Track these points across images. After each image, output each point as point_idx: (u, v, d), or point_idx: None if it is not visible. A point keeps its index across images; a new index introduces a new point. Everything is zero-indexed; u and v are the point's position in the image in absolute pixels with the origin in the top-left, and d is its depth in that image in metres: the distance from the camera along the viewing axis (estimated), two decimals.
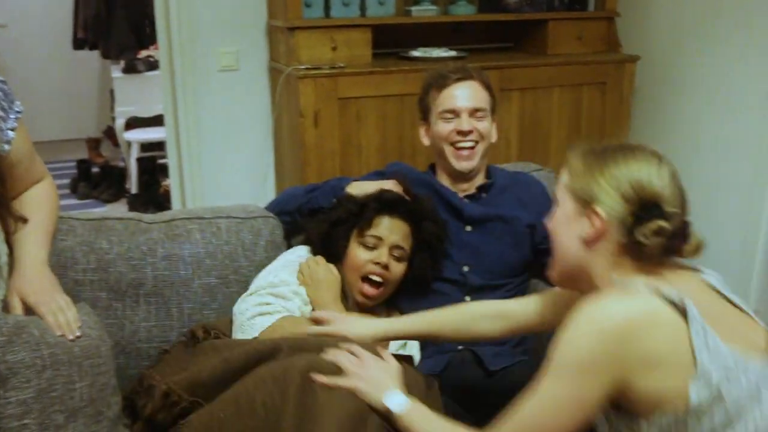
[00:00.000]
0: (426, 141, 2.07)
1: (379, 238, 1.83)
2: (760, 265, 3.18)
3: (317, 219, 1.90)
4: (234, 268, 1.90)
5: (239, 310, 1.71)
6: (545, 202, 2.07)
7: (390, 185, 1.94)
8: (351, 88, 2.89)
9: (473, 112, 1.97)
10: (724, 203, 3.30)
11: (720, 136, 3.27)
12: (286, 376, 1.37)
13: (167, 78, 3.25)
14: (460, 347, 1.87)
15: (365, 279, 1.82)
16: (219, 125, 3.29)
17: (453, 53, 3.15)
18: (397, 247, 1.84)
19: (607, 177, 1.20)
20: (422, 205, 1.90)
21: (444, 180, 2.04)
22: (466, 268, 1.97)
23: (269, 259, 1.94)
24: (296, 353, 1.45)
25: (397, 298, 1.96)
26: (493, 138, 2.04)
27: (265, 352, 1.46)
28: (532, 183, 2.13)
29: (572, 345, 1.12)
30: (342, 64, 2.90)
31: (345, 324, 1.60)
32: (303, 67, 2.85)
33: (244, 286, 1.89)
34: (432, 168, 2.13)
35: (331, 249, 1.85)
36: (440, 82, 1.99)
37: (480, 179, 2.05)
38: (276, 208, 2.06)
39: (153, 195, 4.66)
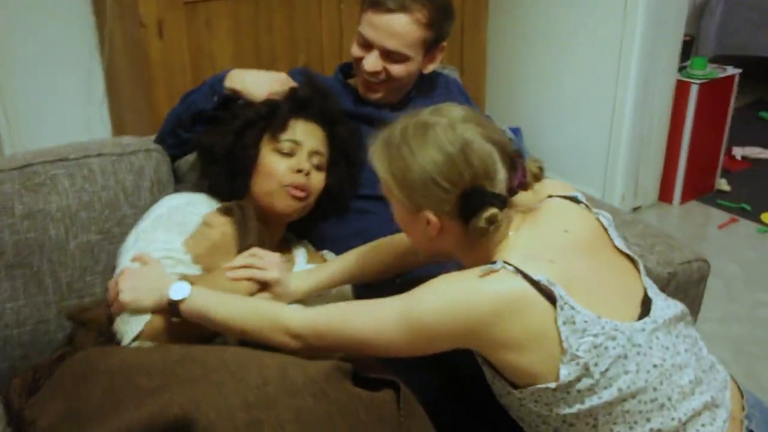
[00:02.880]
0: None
1: (297, 143, 1.54)
2: (624, 153, 3.24)
3: (217, 131, 1.56)
4: (117, 219, 1.53)
5: None
6: (464, 99, 1.90)
7: (279, 78, 1.64)
8: None
9: (387, 53, 1.64)
10: (588, 92, 3.30)
11: (579, 27, 3.23)
12: None
13: None
14: (398, 280, 1.66)
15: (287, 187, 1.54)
16: (31, 48, 2.72)
17: None
18: (317, 152, 1.58)
19: (415, 182, 1.15)
20: (335, 104, 1.64)
21: (361, 87, 1.74)
22: None
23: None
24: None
25: (315, 225, 1.70)
26: (426, 71, 1.75)
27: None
28: (450, 82, 1.93)
29: (431, 307, 1.10)
30: None
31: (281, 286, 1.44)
32: None
33: None
34: (343, 68, 1.82)
35: (239, 162, 1.54)
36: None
37: (402, 94, 1.78)
38: (158, 136, 1.69)
39: None
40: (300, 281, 1.45)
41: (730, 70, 3.42)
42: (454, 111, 1.19)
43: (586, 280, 1.14)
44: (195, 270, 1.41)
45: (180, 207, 1.48)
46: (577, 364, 1.09)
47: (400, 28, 1.61)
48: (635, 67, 3.10)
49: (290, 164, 1.52)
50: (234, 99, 1.62)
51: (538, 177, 1.22)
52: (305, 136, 1.56)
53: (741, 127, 3.72)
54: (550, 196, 1.27)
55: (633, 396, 1.11)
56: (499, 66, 3.56)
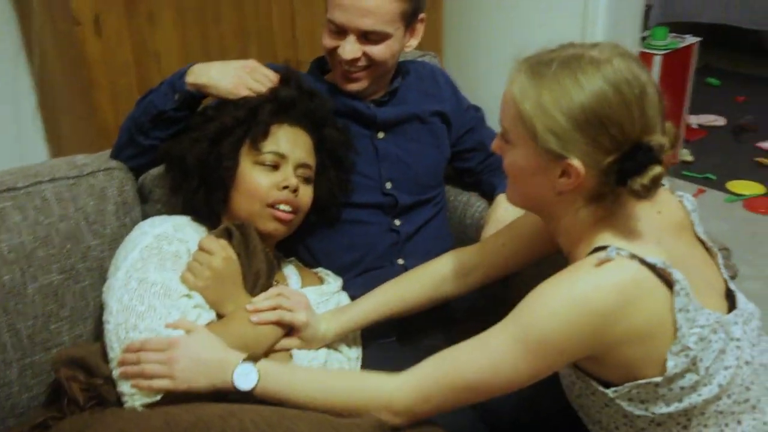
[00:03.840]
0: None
1: (282, 156, 1.35)
2: None
3: (188, 137, 1.36)
4: (81, 253, 1.31)
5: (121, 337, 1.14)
6: (454, 93, 1.75)
7: (247, 65, 1.44)
8: None
9: (364, 35, 1.44)
10: None
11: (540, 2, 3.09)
12: None
13: None
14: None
15: (273, 206, 1.35)
16: None
17: None
18: (304, 165, 1.39)
19: (574, 119, 0.95)
20: (323, 104, 1.45)
21: (340, 79, 1.55)
22: (389, 185, 1.56)
23: (125, 229, 1.37)
24: None
25: (303, 240, 1.52)
26: (410, 48, 1.57)
27: None
28: (436, 72, 1.75)
29: (550, 319, 0.96)
30: None
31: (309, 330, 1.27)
32: None
33: (99, 274, 1.32)
34: (319, 64, 1.63)
35: (215, 174, 1.34)
36: None
37: (385, 85, 1.60)
38: (115, 150, 1.47)
39: None
40: (330, 323, 1.29)
41: (689, 39, 3.36)
42: (626, 50, 1.01)
43: (683, 265, 1.01)
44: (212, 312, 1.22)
45: (168, 235, 1.26)
46: (686, 356, 0.97)
47: (372, 4, 1.41)
48: (601, 40, 2.98)
49: (275, 179, 1.34)
50: (198, 98, 1.41)
51: (673, 145, 1.03)
52: (290, 145, 1.37)
53: (692, 95, 3.69)
54: None
55: (728, 395, 1.02)
56: (457, 45, 3.40)
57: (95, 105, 2.23)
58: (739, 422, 1.03)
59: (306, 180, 1.39)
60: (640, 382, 0.99)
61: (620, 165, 0.96)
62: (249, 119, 1.35)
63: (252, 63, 1.45)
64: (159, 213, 1.47)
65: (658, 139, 0.96)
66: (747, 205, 3.15)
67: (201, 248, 1.26)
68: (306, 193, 1.39)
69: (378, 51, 1.46)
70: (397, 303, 1.33)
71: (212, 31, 2.43)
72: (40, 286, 1.26)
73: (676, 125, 3.58)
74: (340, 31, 1.45)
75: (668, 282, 0.97)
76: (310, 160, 1.41)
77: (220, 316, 1.23)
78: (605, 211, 1.03)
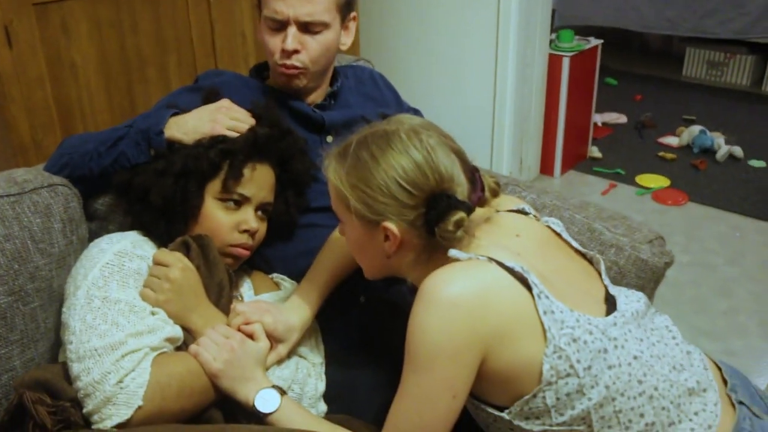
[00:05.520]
0: (260, 37, 1.54)
1: (246, 197, 1.34)
2: (509, 132, 3.23)
3: (152, 170, 1.31)
4: (29, 273, 1.23)
5: (88, 374, 1.07)
6: (394, 96, 1.76)
7: (221, 107, 1.41)
8: None
9: (305, 26, 1.46)
10: (469, 76, 3.24)
11: (455, 4, 3.15)
12: None
13: None
14: (362, 299, 1.49)
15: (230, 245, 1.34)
16: None
17: None
18: (265, 203, 1.38)
19: (376, 188, 1.07)
20: (296, 142, 1.43)
21: (282, 77, 1.54)
22: None
23: (72, 247, 1.30)
24: None
25: (258, 250, 1.49)
26: (345, 46, 1.58)
27: None
28: (375, 76, 1.76)
29: (427, 332, 1.01)
30: None
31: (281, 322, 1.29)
32: None
33: (48, 295, 1.25)
34: (258, 70, 1.61)
35: (178, 210, 1.30)
36: None
37: (325, 87, 1.60)
38: (61, 172, 1.38)
39: None
40: (299, 314, 1.31)
41: (593, 41, 3.50)
42: (414, 119, 1.14)
43: (548, 278, 1.08)
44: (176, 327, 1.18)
45: (128, 251, 1.21)
46: (560, 357, 1.02)
47: None
48: (513, 44, 3.07)
49: (236, 219, 1.33)
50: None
51: (495, 192, 1.18)
52: (256, 188, 1.35)
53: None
54: (497, 212, 1.23)
55: (621, 393, 1.06)
56: (375, 48, 3.43)
57: (9, 121, 2.12)
58: (641, 415, 1.07)
59: (263, 216, 1.39)
60: (527, 397, 1.03)
61: (425, 216, 1.06)
62: (223, 162, 1.32)
63: (226, 102, 1.42)
64: (105, 230, 1.41)
65: (457, 187, 1.07)
66: (655, 197, 3.31)
67: (156, 262, 1.21)
68: (262, 229, 1.39)
69: (316, 44, 1.48)
70: (337, 270, 1.37)
71: (130, 42, 2.36)
72: None
73: (586, 124, 3.77)
74: (280, 27, 1.46)
75: (527, 286, 1.03)
76: (271, 197, 1.40)
77: (185, 329, 1.20)
78: (458, 248, 1.09)
